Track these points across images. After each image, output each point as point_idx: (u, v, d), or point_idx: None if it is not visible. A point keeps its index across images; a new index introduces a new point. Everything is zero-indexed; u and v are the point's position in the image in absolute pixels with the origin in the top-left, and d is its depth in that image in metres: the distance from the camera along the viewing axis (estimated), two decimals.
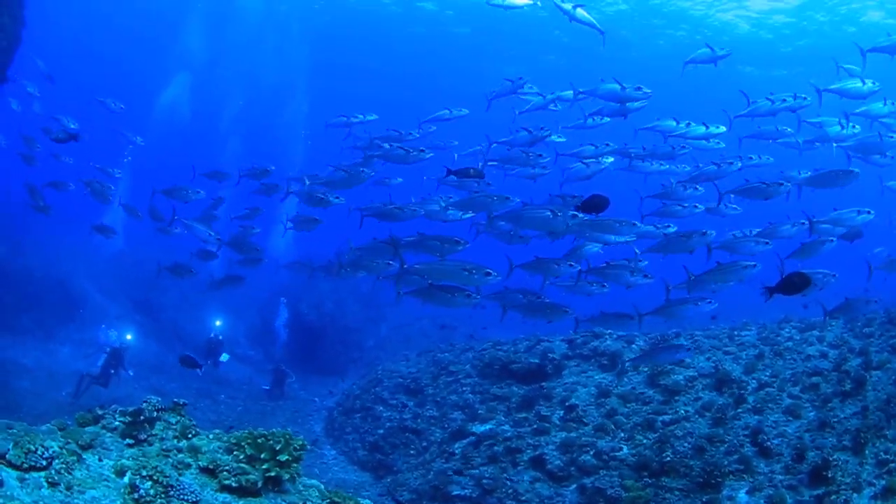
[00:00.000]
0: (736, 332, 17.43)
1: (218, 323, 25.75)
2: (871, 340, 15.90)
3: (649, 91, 15.44)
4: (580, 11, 15.20)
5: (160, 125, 44.63)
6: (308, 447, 7.31)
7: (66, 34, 45.38)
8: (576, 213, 13.03)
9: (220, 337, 24.25)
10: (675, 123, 16.44)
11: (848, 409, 13.59)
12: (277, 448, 6.85)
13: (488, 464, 14.85)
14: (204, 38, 43.69)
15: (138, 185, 21.80)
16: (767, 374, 15.28)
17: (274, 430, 7.07)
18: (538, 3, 16.97)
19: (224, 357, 23.58)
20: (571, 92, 16.47)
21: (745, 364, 15.76)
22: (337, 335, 29.31)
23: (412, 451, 17.61)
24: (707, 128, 16.26)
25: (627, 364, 15.77)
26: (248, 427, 7.19)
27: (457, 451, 15.74)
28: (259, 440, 6.91)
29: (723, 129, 16.28)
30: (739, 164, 15.77)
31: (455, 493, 14.56)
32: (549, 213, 12.93)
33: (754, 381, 15.12)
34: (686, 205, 15.05)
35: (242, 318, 29.49)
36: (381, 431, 18.75)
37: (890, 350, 15.20)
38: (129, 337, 22.03)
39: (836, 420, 13.27)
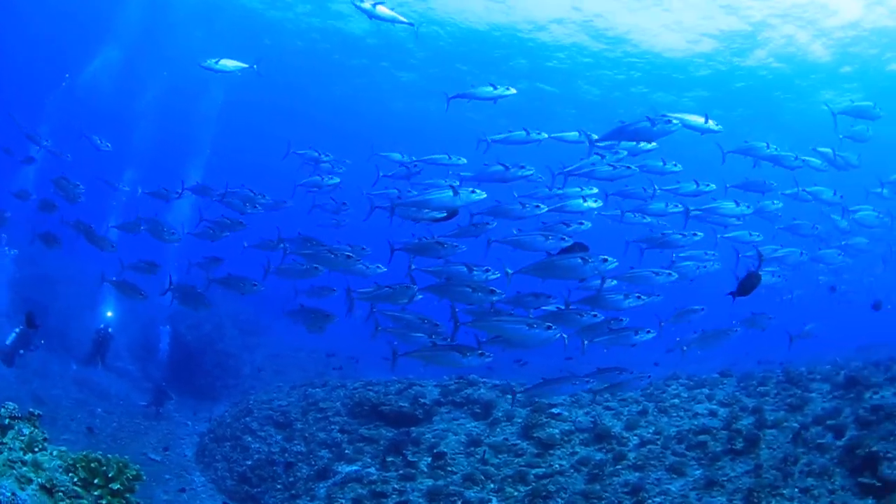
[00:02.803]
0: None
1: (109, 314, 25.34)
2: (766, 399, 15.69)
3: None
4: (381, 9, 15.45)
5: (79, 99, 43.45)
6: (143, 477, 6.89)
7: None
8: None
9: (110, 329, 23.93)
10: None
11: (739, 467, 13.19)
12: (110, 475, 6.56)
13: None
14: (140, 15, 42.52)
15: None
16: (651, 430, 14.80)
17: (109, 455, 6.75)
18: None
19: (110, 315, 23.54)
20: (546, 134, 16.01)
21: (627, 420, 15.29)
22: (214, 359, 28.29)
23: (279, 486, 16.84)
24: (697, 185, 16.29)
25: (519, 395, 15.14)
26: (121, 443, 6.44)
27: (321, 491, 15.10)
28: (93, 464, 6.59)
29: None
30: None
31: None
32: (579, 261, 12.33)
33: (636, 437, 14.62)
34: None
35: (126, 331, 28.30)
36: (250, 463, 17.94)
37: (787, 408, 15.14)
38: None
39: (725, 479, 12.81)
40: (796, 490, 12.21)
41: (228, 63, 17.33)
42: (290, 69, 43.85)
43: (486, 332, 12.26)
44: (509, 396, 16.45)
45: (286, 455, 17.42)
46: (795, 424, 14.19)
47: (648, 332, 12.86)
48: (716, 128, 15.20)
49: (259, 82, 41.71)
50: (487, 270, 12.65)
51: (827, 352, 21.26)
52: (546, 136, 15.65)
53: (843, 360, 18.17)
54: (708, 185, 16.37)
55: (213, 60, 17.20)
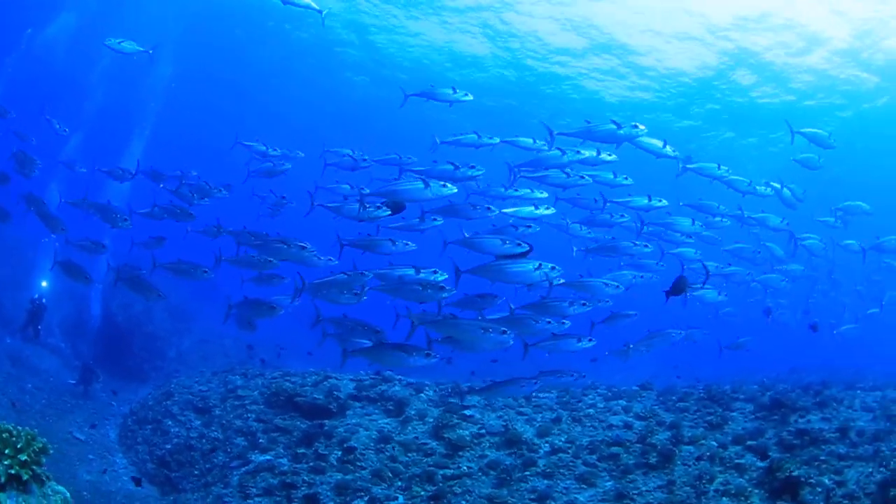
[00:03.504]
0: (535, 394, 16.76)
1: (44, 284, 24.91)
2: (685, 415, 15.61)
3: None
4: None
5: (38, 59, 42.79)
6: (50, 450, 7.17)
7: None
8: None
9: (45, 300, 23.71)
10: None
11: (652, 482, 13.09)
12: (19, 447, 6.76)
13: (263, 495, 13.96)
14: None
15: None
16: (563, 439, 14.71)
17: (20, 427, 6.99)
18: None
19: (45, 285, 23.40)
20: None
21: (540, 427, 15.19)
22: (142, 341, 28.05)
23: (196, 472, 16.61)
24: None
25: (468, 397, 15.33)
26: (49, 420, 6.40)
27: (234, 479, 14.79)
28: (4, 435, 6.80)
29: None
30: None
31: None
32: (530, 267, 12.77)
33: (547, 444, 14.52)
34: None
35: (60, 307, 27.93)
36: (169, 447, 17.74)
37: (707, 426, 15.03)
38: None
39: (636, 492, 12.73)
40: None
41: (128, 45, 17.60)
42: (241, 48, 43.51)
43: (440, 332, 12.31)
44: (422, 395, 16.43)
45: (203, 441, 17.19)
46: (714, 443, 14.09)
47: (590, 339, 12.98)
48: (672, 154, 15.64)
49: (211, 59, 41.05)
50: (435, 272, 12.72)
51: (759, 372, 21.37)
52: (498, 140, 15.60)
53: (770, 381, 18.24)
54: (660, 201, 16.56)
55: (116, 40, 17.57)
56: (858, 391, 16.88)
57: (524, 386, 13.40)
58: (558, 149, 15.24)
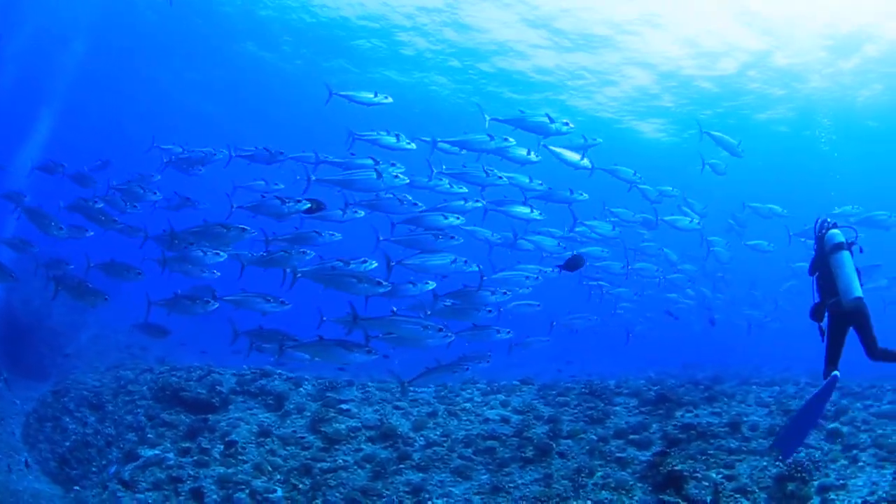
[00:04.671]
0: (411, 388, 16.97)
1: None
2: (565, 409, 15.83)
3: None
4: None
5: None
6: None
7: None
8: None
9: None
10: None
11: (528, 476, 13.28)
12: None
13: (153, 489, 14.02)
14: None
15: None
16: (438, 432, 14.93)
17: None
18: None
19: None
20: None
21: (415, 421, 15.40)
22: (43, 336, 27.46)
23: (94, 469, 16.54)
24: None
25: (407, 385, 15.23)
26: None
27: (126, 474, 14.77)
28: None
29: None
30: None
31: None
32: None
33: (422, 438, 14.74)
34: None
35: None
36: (68, 444, 17.62)
37: (586, 420, 15.23)
38: None
39: (512, 485, 12.94)
40: (589, 502, 12.29)
41: None
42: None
43: (380, 330, 12.67)
44: (301, 389, 16.61)
45: (99, 437, 17.16)
46: (594, 437, 14.34)
47: (508, 332, 13.61)
48: (588, 165, 16.41)
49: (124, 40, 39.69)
50: (365, 262, 13.14)
51: (655, 368, 21.73)
52: (414, 146, 15.79)
53: (658, 377, 18.75)
54: (582, 195, 17.11)
55: None
56: (754, 386, 17.42)
57: (455, 372, 14.03)
58: (488, 135, 15.61)
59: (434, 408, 15.93)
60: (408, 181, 14.78)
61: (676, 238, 21.69)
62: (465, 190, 15.56)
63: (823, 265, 10.81)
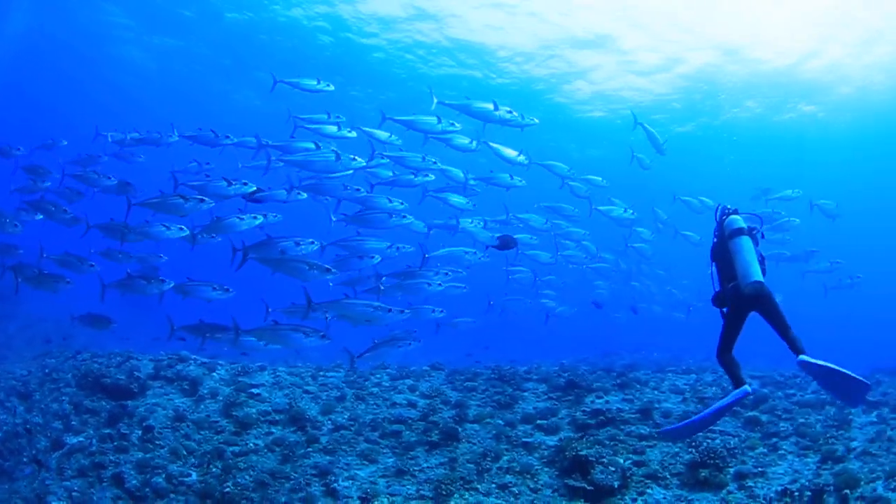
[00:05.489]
0: (322, 373, 17.47)
1: None
2: (472, 394, 16.16)
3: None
4: None
5: None
6: None
7: None
8: None
9: None
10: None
11: (434, 459, 13.66)
12: None
13: (78, 476, 14.35)
14: None
15: None
16: (346, 416, 15.29)
17: None
18: None
19: None
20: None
21: (324, 405, 15.75)
22: None
23: (25, 459, 16.45)
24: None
25: (356, 359, 15.15)
26: None
27: (53, 462, 15.12)
28: None
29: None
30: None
31: (53, 503, 14.01)
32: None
33: (330, 422, 15.09)
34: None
35: None
36: (0, 435, 17.51)
37: (494, 405, 15.57)
38: None
39: (417, 469, 13.31)
40: (493, 486, 12.63)
41: None
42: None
43: (335, 312, 13.15)
44: (215, 374, 16.90)
45: (27, 426, 17.23)
46: (500, 421, 14.66)
47: (402, 311, 13.53)
48: (525, 161, 17.30)
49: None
50: (313, 243, 13.58)
51: (574, 354, 22.30)
52: (355, 133, 16.29)
53: (571, 363, 18.98)
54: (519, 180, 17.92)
55: None
56: (670, 374, 17.59)
57: (400, 346, 14.59)
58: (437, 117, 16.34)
59: (343, 392, 16.24)
60: (363, 164, 15.25)
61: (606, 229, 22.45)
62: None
63: (724, 251, 10.76)
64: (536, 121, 16.72)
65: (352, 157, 14.65)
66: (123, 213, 14.49)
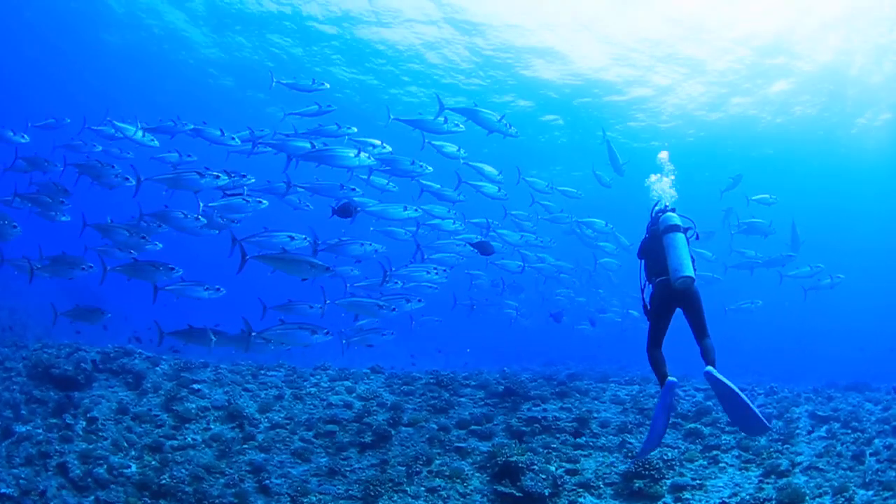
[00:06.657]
0: (263, 371, 17.87)
1: None
2: (409, 398, 16.42)
3: None
4: None
5: None
6: None
7: None
8: None
9: None
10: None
11: (366, 461, 13.95)
12: None
13: (25, 465, 14.49)
14: None
15: None
16: (282, 415, 15.61)
17: None
18: None
19: None
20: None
21: (262, 403, 16.08)
22: None
23: None
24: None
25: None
26: None
27: (2, 450, 15.14)
28: None
29: None
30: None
31: (2, 490, 13.92)
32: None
33: (267, 420, 15.43)
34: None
35: None
36: None
37: (430, 410, 15.78)
38: None
39: (348, 469, 13.58)
40: (422, 489, 12.85)
41: None
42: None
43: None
44: (158, 369, 17.19)
45: None
46: (434, 426, 14.97)
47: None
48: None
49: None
50: (306, 239, 14.29)
51: (521, 362, 22.69)
52: (355, 129, 16.99)
53: (511, 371, 19.07)
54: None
55: None
56: (612, 384, 17.89)
57: (384, 335, 15.78)
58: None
59: (281, 391, 16.58)
60: (374, 162, 15.96)
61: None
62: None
63: (655, 246, 11.07)
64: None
65: (367, 155, 15.51)
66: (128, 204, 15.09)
